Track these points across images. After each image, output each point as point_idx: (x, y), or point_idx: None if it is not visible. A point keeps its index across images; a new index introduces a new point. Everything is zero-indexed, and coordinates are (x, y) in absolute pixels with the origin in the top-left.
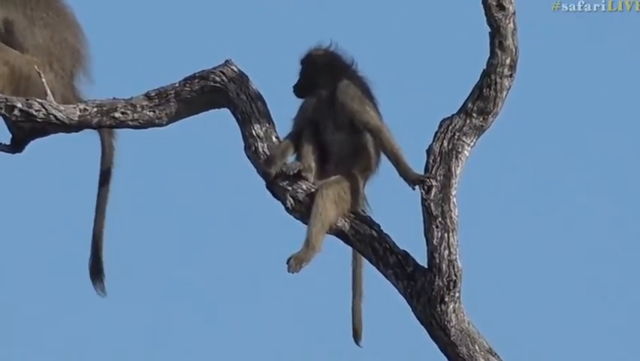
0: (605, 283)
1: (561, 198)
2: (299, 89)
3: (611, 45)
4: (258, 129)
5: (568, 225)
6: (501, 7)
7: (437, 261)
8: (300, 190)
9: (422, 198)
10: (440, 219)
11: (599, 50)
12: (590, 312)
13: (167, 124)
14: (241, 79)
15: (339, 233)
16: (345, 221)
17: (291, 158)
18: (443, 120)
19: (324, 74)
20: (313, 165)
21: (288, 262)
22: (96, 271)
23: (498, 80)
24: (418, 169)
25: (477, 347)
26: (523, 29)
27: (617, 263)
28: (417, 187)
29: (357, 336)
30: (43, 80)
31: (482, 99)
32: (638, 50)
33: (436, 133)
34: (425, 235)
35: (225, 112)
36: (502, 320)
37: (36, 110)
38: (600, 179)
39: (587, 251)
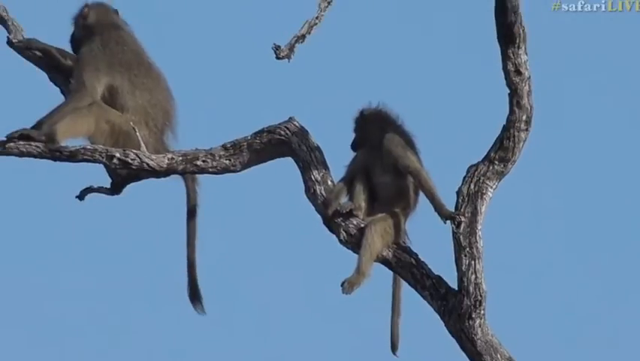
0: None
1: (561, 221)
2: (355, 145)
3: (611, 45)
4: (316, 175)
5: (570, 251)
6: (518, 73)
7: (465, 284)
8: (351, 225)
9: (453, 232)
10: (468, 249)
11: (599, 50)
12: (594, 320)
13: (240, 170)
14: (302, 133)
15: (384, 261)
16: (389, 251)
17: (344, 198)
18: (470, 167)
19: (373, 128)
20: (363, 204)
21: (342, 285)
22: (194, 295)
23: (516, 133)
24: (450, 207)
25: (499, 356)
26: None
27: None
28: (448, 222)
29: (394, 348)
30: (138, 134)
31: (503, 149)
32: (639, 50)
33: (465, 177)
34: (455, 263)
35: (289, 160)
36: (520, 332)
37: (131, 159)
38: (600, 183)
39: (591, 266)
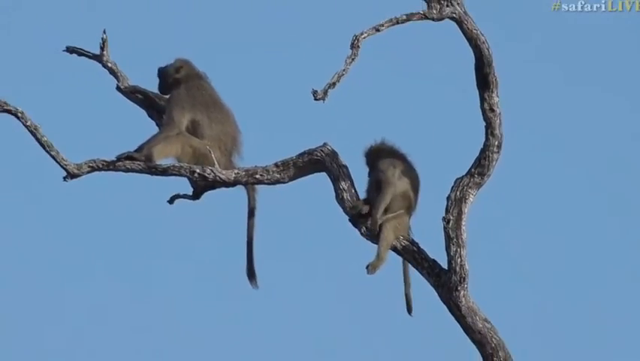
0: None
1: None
2: (370, 173)
3: (611, 45)
4: (343, 185)
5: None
6: (492, 110)
7: (453, 265)
8: (369, 222)
9: (444, 227)
10: (455, 239)
11: (599, 50)
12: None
13: (288, 182)
14: (333, 154)
15: (394, 249)
16: (398, 241)
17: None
18: (457, 179)
19: (378, 156)
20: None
21: (367, 268)
22: (251, 273)
23: (490, 155)
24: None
25: (477, 318)
26: (523, 29)
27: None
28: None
29: (409, 309)
30: (213, 156)
31: (480, 167)
32: (638, 50)
33: (452, 187)
34: (446, 250)
35: (323, 174)
36: (494, 300)
37: (208, 173)
38: (583, 183)
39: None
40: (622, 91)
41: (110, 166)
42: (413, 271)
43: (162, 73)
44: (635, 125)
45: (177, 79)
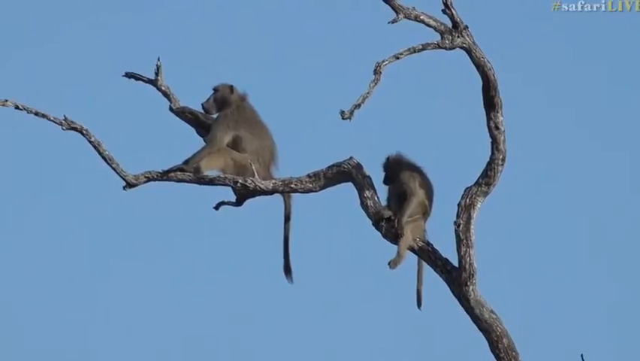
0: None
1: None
2: (386, 180)
3: (611, 45)
4: (367, 193)
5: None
6: (497, 128)
7: (463, 263)
8: (397, 226)
9: (455, 230)
10: (465, 241)
11: (599, 50)
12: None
13: (319, 191)
14: (358, 166)
15: (411, 249)
16: (415, 242)
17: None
18: (466, 188)
19: (396, 168)
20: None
21: (389, 264)
22: (287, 269)
23: (495, 167)
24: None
25: (484, 309)
26: (523, 29)
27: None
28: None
29: (419, 304)
30: (253, 167)
31: (487, 177)
32: (638, 50)
33: (463, 195)
34: (457, 250)
35: (349, 184)
36: (499, 294)
37: (249, 183)
38: (579, 177)
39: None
40: (622, 91)
41: (163, 177)
42: (426, 270)
43: (219, 95)
44: (634, 126)
45: (230, 99)
